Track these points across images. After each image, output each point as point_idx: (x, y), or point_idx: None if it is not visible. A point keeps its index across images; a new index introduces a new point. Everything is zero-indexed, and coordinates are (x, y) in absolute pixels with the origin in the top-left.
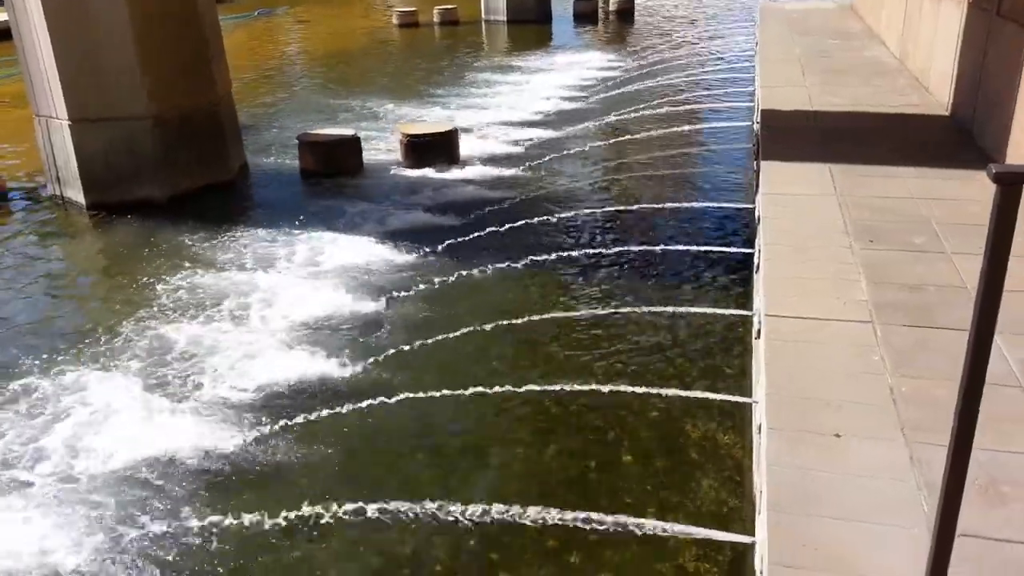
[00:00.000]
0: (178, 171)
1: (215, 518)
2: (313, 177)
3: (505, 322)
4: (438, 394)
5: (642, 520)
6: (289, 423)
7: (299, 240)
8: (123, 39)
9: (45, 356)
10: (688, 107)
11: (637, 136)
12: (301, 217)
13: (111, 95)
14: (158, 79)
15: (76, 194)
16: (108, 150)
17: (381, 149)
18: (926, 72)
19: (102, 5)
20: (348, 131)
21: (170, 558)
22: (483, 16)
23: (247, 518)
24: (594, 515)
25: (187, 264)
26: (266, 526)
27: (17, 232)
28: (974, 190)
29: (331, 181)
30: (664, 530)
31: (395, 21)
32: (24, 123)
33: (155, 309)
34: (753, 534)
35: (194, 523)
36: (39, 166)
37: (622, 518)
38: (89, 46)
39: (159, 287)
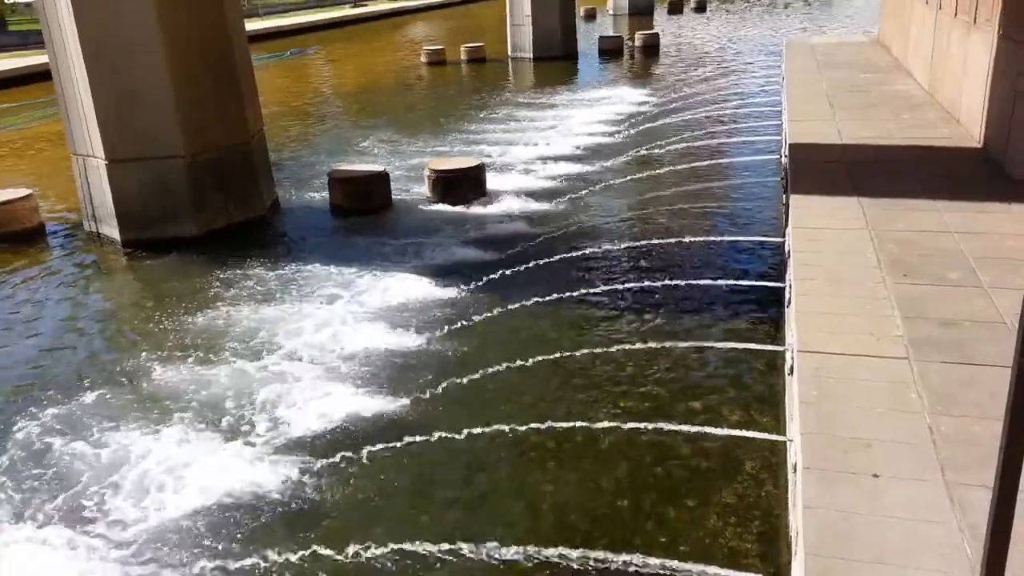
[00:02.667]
0: (211, 209)
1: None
2: (343, 213)
3: (539, 358)
4: (475, 431)
5: (674, 561)
6: (328, 462)
7: (332, 276)
8: (159, 81)
9: (81, 382)
10: (715, 141)
11: (664, 170)
12: (332, 253)
13: (147, 135)
14: (192, 119)
15: (112, 231)
16: (143, 188)
17: (410, 184)
18: (956, 104)
19: (139, 48)
20: (377, 167)
21: None
22: (509, 53)
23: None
24: (625, 555)
25: (220, 300)
26: (293, 558)
27: (54, 269)
28: (1009, 223)
29: (361, 217)
30: (696, 572)
31: (423, 59)
32: (62, 162)
33: (190, 344)
34: None
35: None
36: (76, 204)
37: (653, 559)
38: (126, 87)
39: (194, 322)
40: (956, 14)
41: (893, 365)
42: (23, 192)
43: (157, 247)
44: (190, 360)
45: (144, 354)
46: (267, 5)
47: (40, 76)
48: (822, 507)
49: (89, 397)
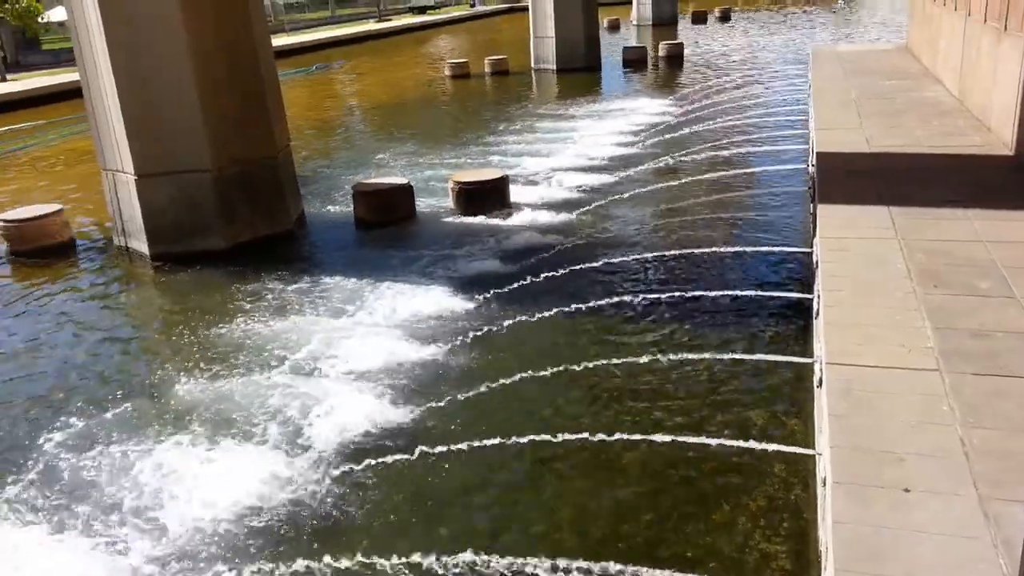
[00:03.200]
0: (238, 223)
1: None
2: (368, 225)
3: (560, 368)
4: (496, 441)
5: None
6: (350, 469)
7: (357, 288)
8: (187, 97)
9: (104, 396)
10: (739, 150)
11: (688, 180)
12: (358, 265)
13: (175, 150)
14: (220, 134)
15: (141, 245)
16: (172, 203)
17: (434, 197)
18: (987, 111)
19: (167, 64)
20: (401, 180)
21: None
22: (533, 65)
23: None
24: (651, 570)
25: (247, 313)
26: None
27: (84, 283)
28: None
29: (385, 229)
30: None
31: (447, 72)
32: (92, 178)
33: (217, 356)
34: None
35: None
36: (106, 218)
37: (681, 574)
38: (154, 104)
39: (221, 334)
40: (986, 20)
41: (924, 377)
42: (54, 207)
43: (185, 261)
44: (214, 372)
45: (169, 366)
46: (292, 21)
47: (71, 94)
48: (852, 522)
49: (115, 409)
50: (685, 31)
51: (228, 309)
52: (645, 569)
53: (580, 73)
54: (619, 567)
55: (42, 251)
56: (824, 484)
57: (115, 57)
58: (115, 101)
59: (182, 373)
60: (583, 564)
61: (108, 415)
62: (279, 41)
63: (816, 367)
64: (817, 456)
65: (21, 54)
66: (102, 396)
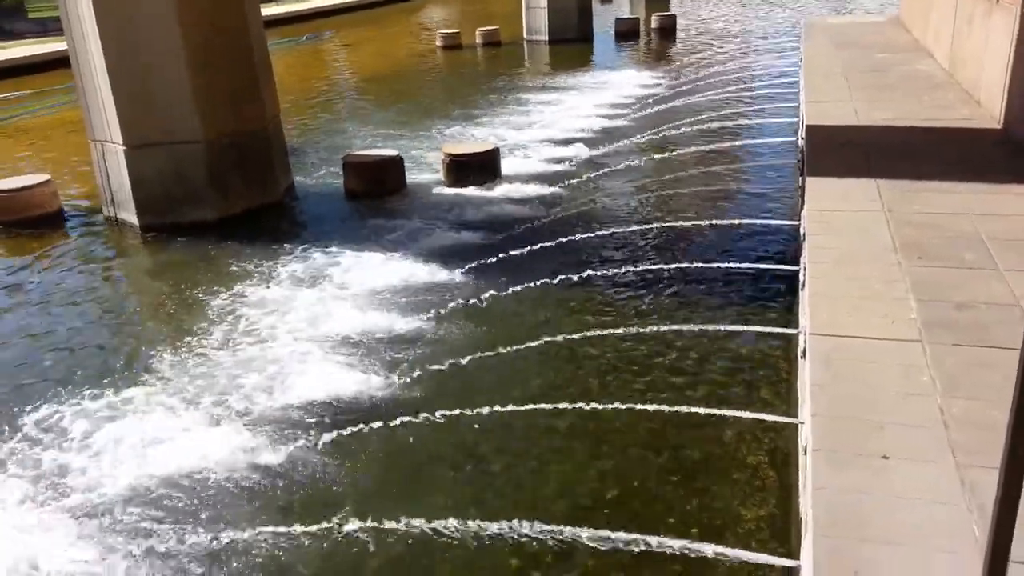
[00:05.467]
0: (228, 193)
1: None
2: (358, 197)
3: (547, 339)
4: (479, 411)
5: (684, 541)
6: (329, 437)
7: (346, 259)
8: (176, 66)
9: (92, 373)
10: (730, 123)
11: (678, 153)
12: (347, 236)
13: (164, 120)
14: (209, 104)
15: (130, 216)
16: (161, 173)
17: (424, 168)
18: (976, 85)
19: (156, 33)
20: (391, 151)
21: None
22: (525, 36)
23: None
24: (634, 535)
25: (235, 283)
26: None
27: (72, 253)
28: None
29: (375, 200)
30: (705, 552)
31: (438, 43)
32: (81, 148)
33: (205, 325)
34: (798, 558)
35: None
36: (94, 189)
37: (663, 539)
38: (143, 73)
39: (209, 305)
40: None
41: (906, 348)
42: (42, 177)
43: (174, 232)
44: (202, 342)
45: (156, 336)
46: None
47: (60, 63)
48: (832, 488)
49: (100, 381)
50: (678, 3)
51: (216, 279)
52: (634, 533)
53: (572, 44)
54: (607, 532)
55: (30, 221)
56: (805, 452)
57: (103, 26)
58: (103, 71)
59: (166, 343)
60: (569, 528)
61: (91, 386)
62: (269, 11)
63: (800, 338)
64: (800, 425)
65: (5, 21)
66: (86, 367)
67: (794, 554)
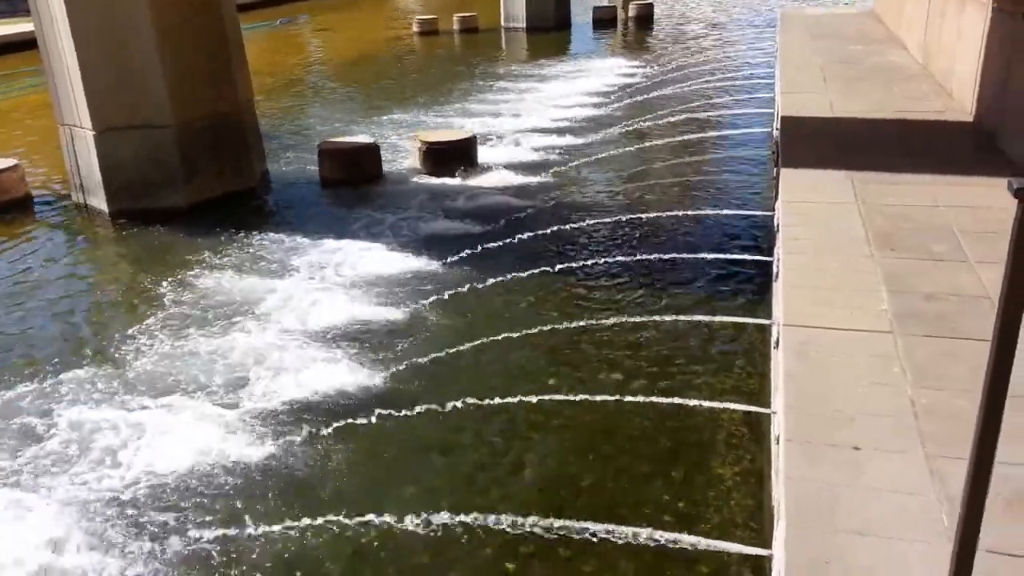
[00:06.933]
0: (200, 179)
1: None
2: (333, 185)
3: (525, 331)
4: (460, 404)
5: (659, 531)
6: (312, 432)
7: (319, 248)
8: (147, 49)
9: (57, 361)
10: (706, 114)
11: (656, 143)
12: (321, 224)
13: (135, 105)
14: (181, 88)
15: (99, 202)
16: (131, 159)
17: (400, 157)
18: (949, 77)
19: (127, 16)
20: (368, 139)
21: None
22: (502, 24)
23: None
24: (611, 525)
25: (207, 271)
26: (276, 528)
27: (40, 239)
28: (998, 197)
29: (351, 189)
30: (679, 541)
31: (415, 29)
32: (50, 132)
33: (174, 315)
34: (769, 547)
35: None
36: (63, 174)
37: (639, 529)
38: (113, 56)
39: (178, 293)
40: None
41: (878, 339)
42: (10, 162)
43: (145, 218)
44: (171, 330)
45: (125, 324)
46: None
47: (28, 44)
48: (804, 479)
49: (70, 369)
50: None
51: (187, 266)
52: (611, 524)
53: (550, 32)
54: (585, 523)
55: None
56: (778, 442)
57: (72, 7)
58: (72, 54)
59: (135, 331)
60: (548, 520)
61: (62, 374)
62: None
63: (774, 328)
64: (772, 415)
65: None
66: (55, 354)
67: (767, 543)
